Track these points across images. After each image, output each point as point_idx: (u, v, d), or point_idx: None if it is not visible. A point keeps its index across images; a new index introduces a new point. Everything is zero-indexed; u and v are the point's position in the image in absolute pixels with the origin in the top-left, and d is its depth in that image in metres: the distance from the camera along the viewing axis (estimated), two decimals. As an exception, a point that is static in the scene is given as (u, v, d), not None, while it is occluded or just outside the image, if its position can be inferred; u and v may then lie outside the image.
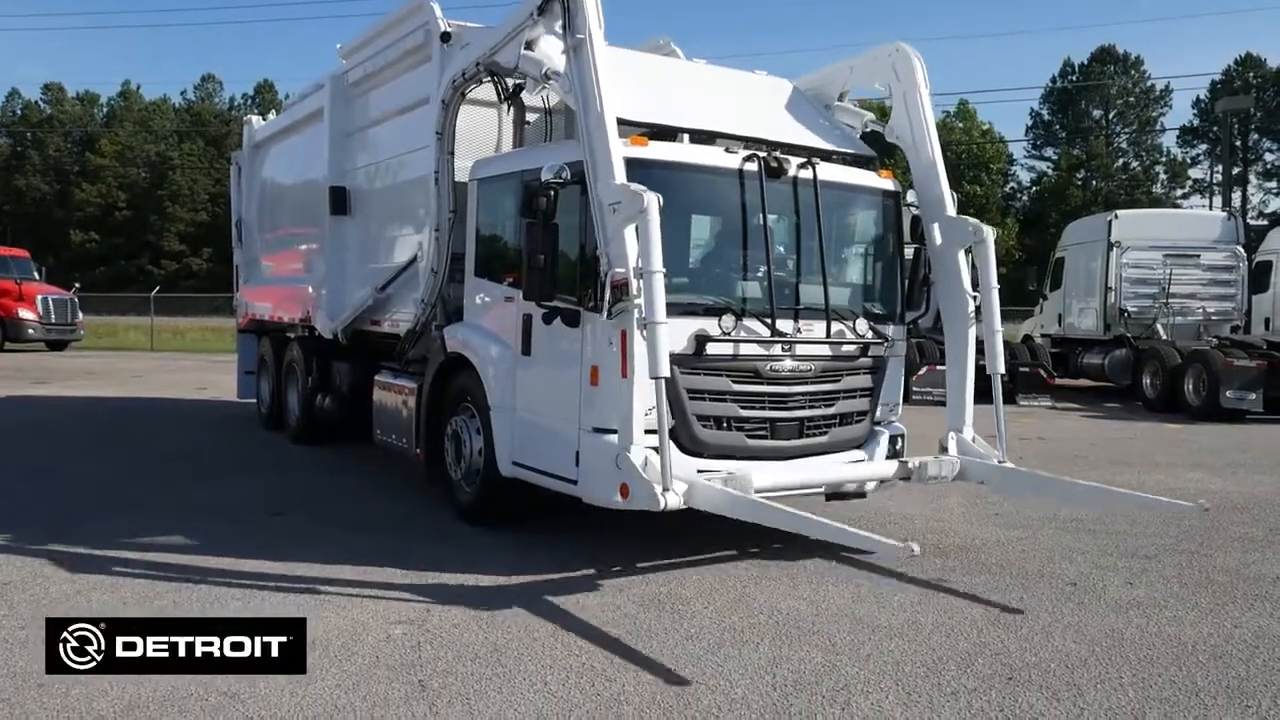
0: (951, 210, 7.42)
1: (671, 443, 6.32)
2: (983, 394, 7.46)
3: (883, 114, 7.98)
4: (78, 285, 31.15)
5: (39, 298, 27.26)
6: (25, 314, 26.91)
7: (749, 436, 6.60)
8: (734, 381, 6.49)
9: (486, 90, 8.42)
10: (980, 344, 7.40)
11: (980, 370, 7.40)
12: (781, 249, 6.97)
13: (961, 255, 7.39)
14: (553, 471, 6.66)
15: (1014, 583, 6.48)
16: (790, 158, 6.84)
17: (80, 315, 28.90)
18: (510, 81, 7.51)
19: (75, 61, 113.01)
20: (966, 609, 5.89)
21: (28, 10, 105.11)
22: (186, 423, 13.53)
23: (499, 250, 7.54)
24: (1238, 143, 64.29)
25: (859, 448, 7.17)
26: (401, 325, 8.76)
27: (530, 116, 8.24)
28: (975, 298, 7.27)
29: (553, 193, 6.16)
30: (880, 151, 7.75)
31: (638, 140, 6.29)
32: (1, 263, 28.31)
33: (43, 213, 76.03)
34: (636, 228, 5.71)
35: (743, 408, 6.53)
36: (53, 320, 27.46)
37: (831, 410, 6.94)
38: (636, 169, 6.04)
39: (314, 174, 10.78)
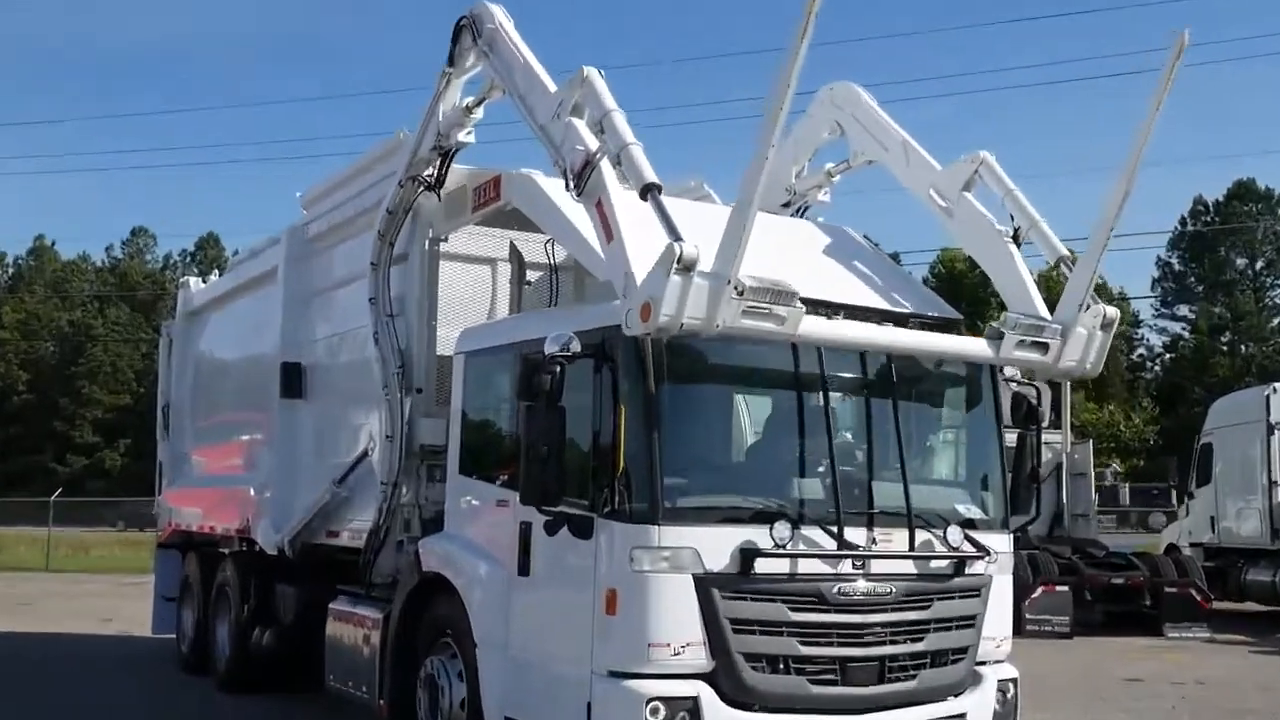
0: (937, 165, 8.10)
1: (711, 689, 6.17)
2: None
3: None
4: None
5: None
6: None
7: (813, 681, 6.41)
8: (792, 609, 6.37)
9: (475, 243, 8.81)
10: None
11: None
12: (849, 436, 6.99)
13: (969, 195, 7.92)
14: (557, 728, 6.49)
15: None
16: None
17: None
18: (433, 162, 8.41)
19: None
20: None
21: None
22: (84, 667, 13.30)
23: (490, 440, 7.60)
24: None
25: (957, 695, 6.97)
26: (365, 534, 8.74)
27: (531, 275, 8.47)
28: (1005, 229, 7.76)
29: (558, 369, 6.23)
30: (966, 314, 7.91)
31: (662, 303, 6.40)
32: None
33: (-74, 397, 77.72)
34: (585, 106, 6.70)
35: (804, 643, 6.38)
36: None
37: (920, 646, 6.77)
38: (660, 339, 6.13)
39: (263, 347, 11.05)
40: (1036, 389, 7.63)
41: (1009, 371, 7.58)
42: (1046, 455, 7.54)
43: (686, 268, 5.75)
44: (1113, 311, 7.18)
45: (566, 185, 6.68)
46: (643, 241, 6.14)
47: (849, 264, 8.00)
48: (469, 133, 8.19)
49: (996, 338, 6.96)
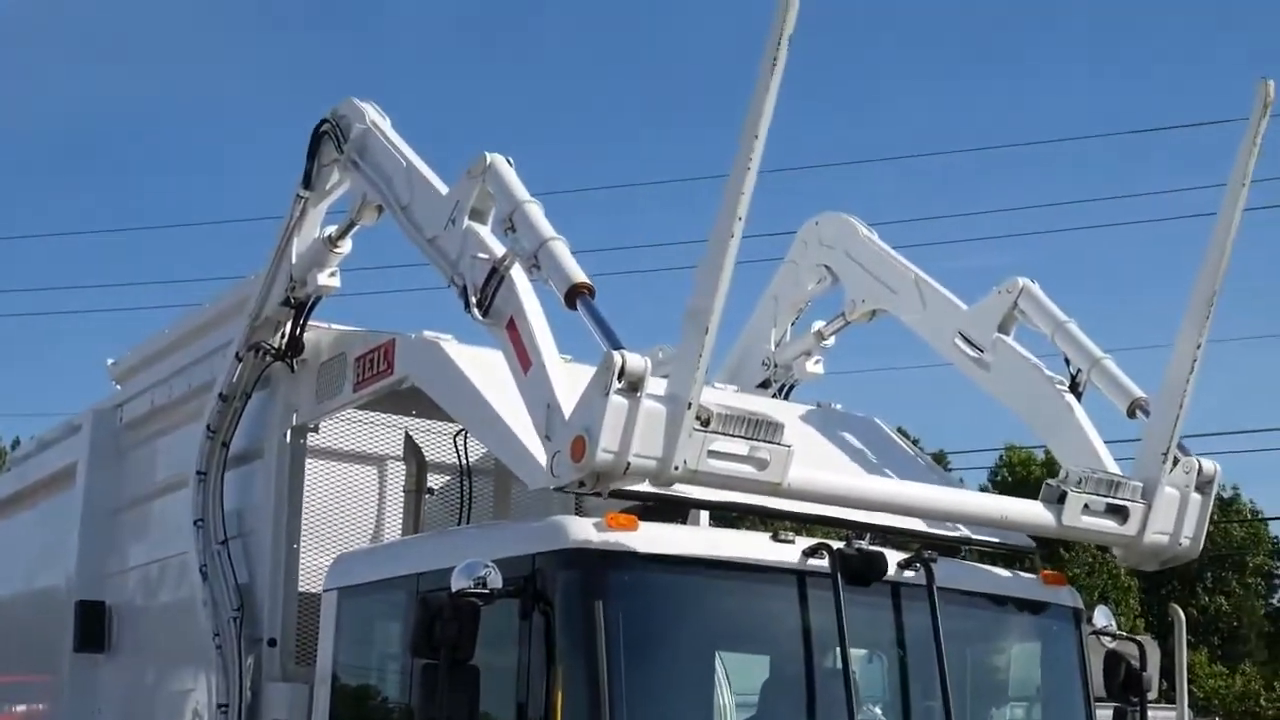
0: (962, 305, 8.61)
1: None
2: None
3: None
4: None
5: None
6: None
7: None
8: None
9: (356, 434, 8.93)
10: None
11: None
12: (879, 714, 7.01)
13: (1008, 338, 8.35)
14: None
15: None
16: (886, 551, 6.98)
17: None
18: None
19: None
20: None
21: None
22: None
23: (373, 715, 7.59)
24: None
25: None
26: None
27: (435, 481, 8.50)
28: (1059, 376, 8.12)
29: (470, 613, 6.21)
30: (1043, 542, 7.95)
31: (619, 520, 6.43)
32: None
33: None
34: (488, 206, 6.99)
35: None
36: None
37: None
38: (616, 573, 6.22)
39: (51, 579, 11.03)
40: (1139, 645, 7.65)
41: (1100, 622, 7.61)
42: (1157, 740, 7.51)
43: (632, 385, 5.69)
44: (1210, 465, 7.25)
45: (466, 305, 6.75)
46: (574, 384, 6.12)
47: (879, 470, 8.11)
48: (333, 274, 8.26)
49: (1056, 500, 6.92)
